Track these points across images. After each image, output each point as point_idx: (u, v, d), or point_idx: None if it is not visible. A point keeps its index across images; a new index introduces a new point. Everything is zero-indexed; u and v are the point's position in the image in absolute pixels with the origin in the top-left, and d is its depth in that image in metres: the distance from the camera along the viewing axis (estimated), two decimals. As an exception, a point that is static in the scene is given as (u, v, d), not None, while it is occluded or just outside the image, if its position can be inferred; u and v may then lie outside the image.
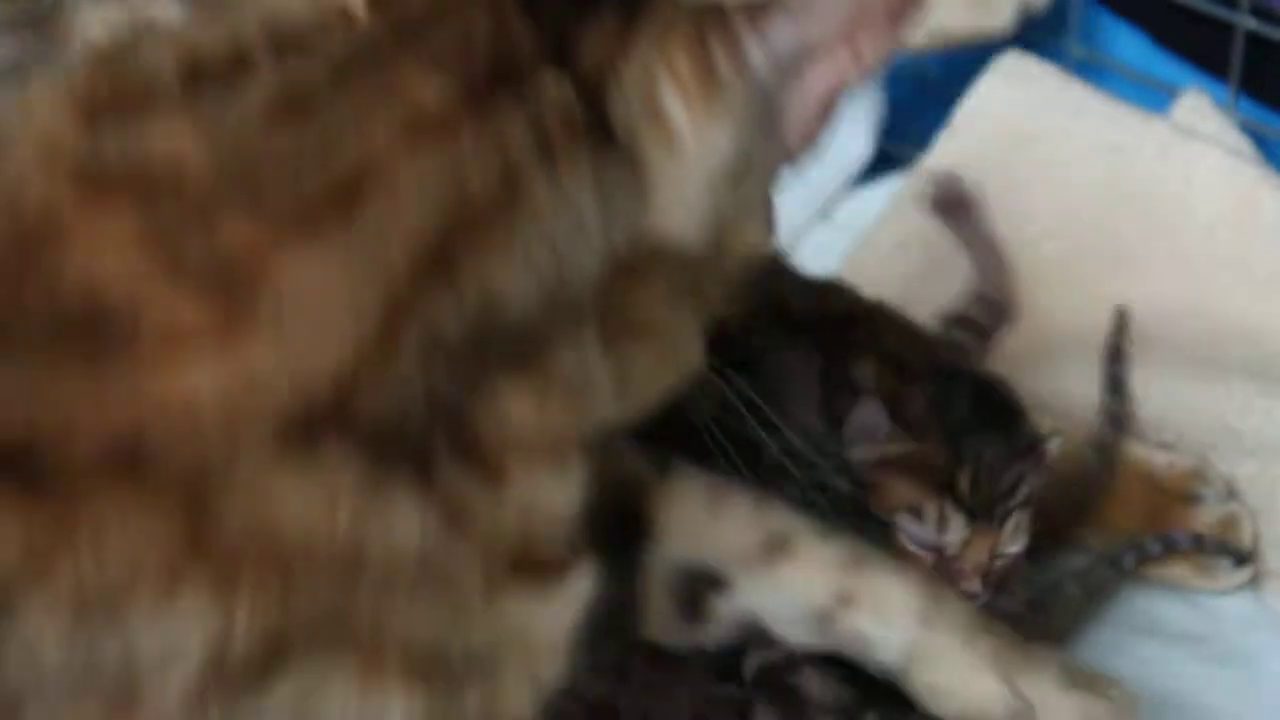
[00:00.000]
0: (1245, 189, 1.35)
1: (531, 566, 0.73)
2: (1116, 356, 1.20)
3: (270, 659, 0.65)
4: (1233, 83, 1.41)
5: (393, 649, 0.68)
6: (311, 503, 0.65)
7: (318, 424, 0.64)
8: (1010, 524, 1.02)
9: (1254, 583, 1.21)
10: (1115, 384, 1.20)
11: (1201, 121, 1.40)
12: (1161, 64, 1.49)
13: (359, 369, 0.65)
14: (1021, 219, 1.39)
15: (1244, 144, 1.39)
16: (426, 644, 0.69)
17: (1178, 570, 1.20)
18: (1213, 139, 1.38)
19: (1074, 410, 1.25)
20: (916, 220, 1.42)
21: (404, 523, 0.67)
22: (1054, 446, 1.06)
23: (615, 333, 0.74)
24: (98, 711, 0.63)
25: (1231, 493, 1.21)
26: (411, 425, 0.66)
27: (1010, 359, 1.28)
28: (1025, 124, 1.42)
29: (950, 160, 1.44)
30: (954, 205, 1.27)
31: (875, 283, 1.28)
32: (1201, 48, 1.46)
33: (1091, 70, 1.48)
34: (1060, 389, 1.26)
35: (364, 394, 0.65)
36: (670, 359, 0.80)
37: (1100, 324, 1.30)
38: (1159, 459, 1.20)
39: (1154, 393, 1.22)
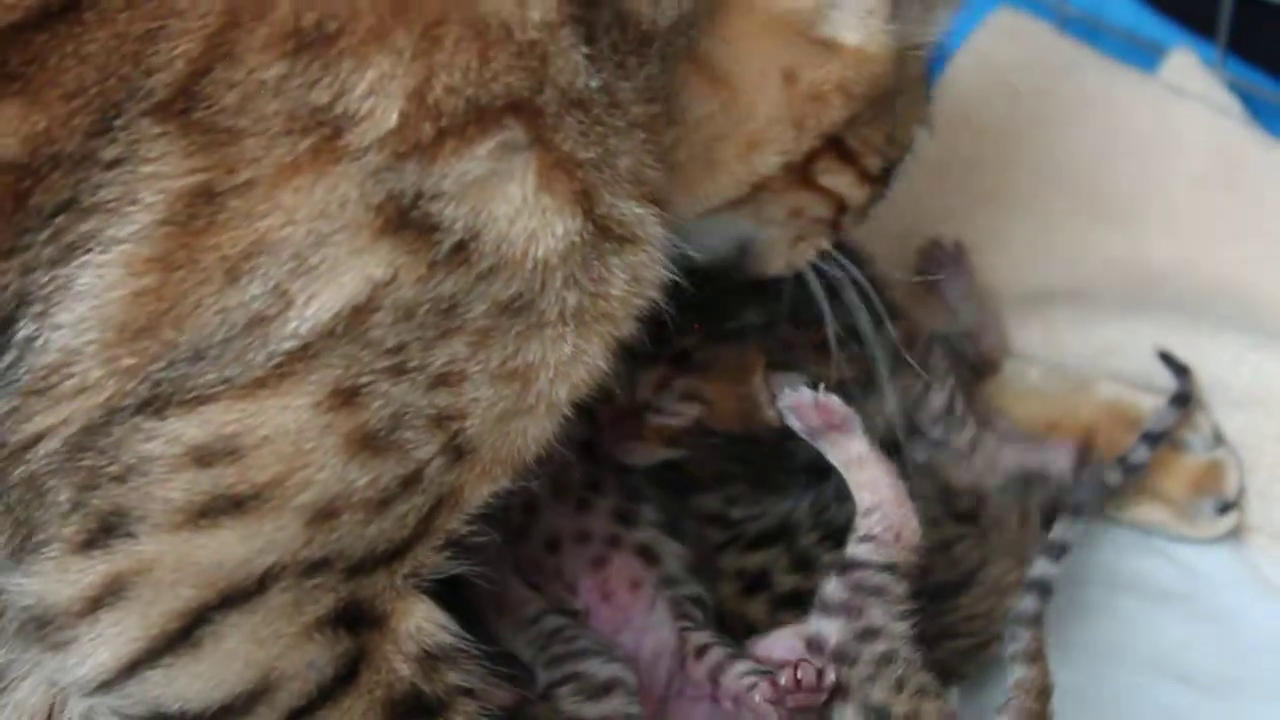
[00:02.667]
0: (1233, 147, 1.36)
1: None
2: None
3: (466, 126, 0.74)
4: (1220, 42, 1.42)
5: (565, 168, 0.77)
6: None
7: None
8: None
9: (1235, 537, 1.23)
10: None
11: (1189, 80, 1.41)
12: (1150, 23, 1.50)
13: None
14: (1013, 174, 1.40)
15: (1232, 103, 1.41)
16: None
17: (1159, 516, 1.22)
18: (1201, 98, 1.39)
19: (1066, 361, 1.27)
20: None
21: None
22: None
23: None
24: (308, 146, 0.73)
25: (1219, 440, 1.22)
26: None
27: (1003, 312, 1.30)
28: (1017, 80, 1.43)
29: (941, 114, 1.44)
30: (940, 266, 1.27)
31: (868, 237, 1.30)
32: (1190, 7, 1.47)
33: (1081, 29, 1.49)
34: (1054, 339, 1.27)
35: None
36: None
37: (1091, 276, 1.31)
38: (1146, 403, 1.21)
39: (1143, 345, 1.24)
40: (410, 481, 0.78)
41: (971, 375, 1.23)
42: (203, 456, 0.74)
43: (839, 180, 0.95)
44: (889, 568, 0.95)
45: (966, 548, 1.10)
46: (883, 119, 0.95)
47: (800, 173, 0.93)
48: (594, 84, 0.78)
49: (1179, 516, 1.22)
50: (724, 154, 0.89)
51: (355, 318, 0.73)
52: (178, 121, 0.72)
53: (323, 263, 0.73)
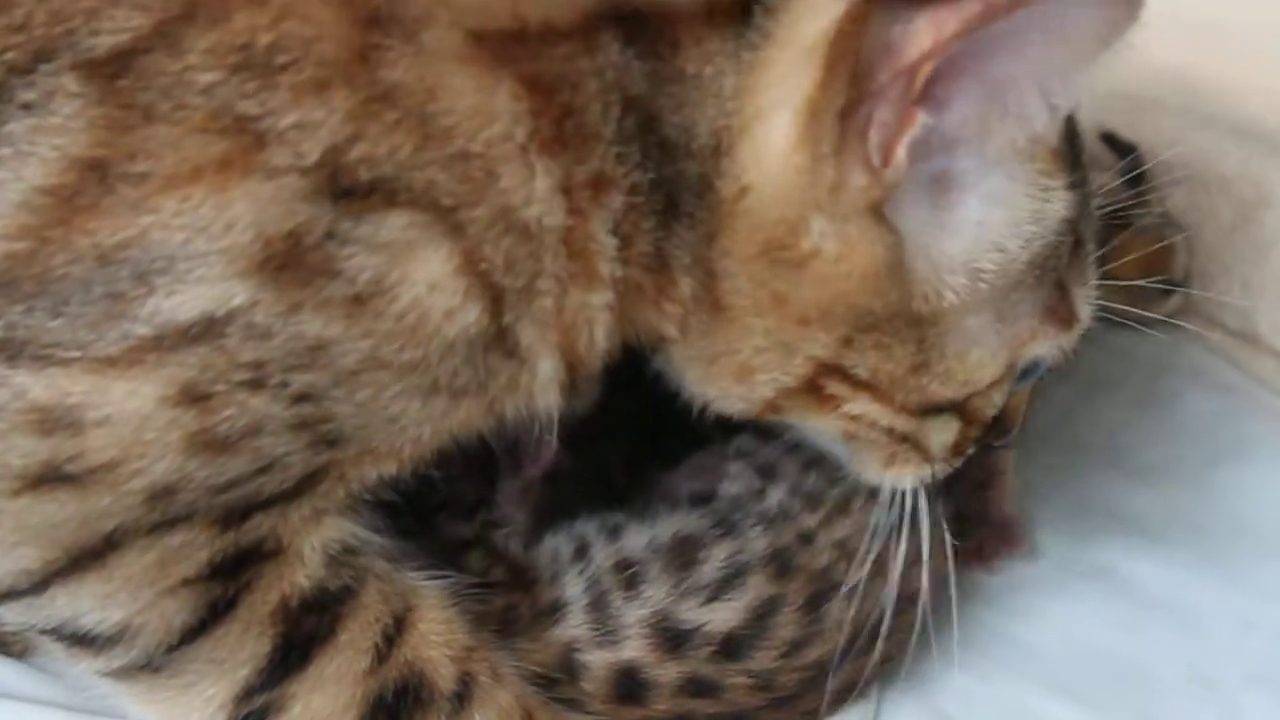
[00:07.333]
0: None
1: None
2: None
3: (371, 194, 0.71)
4: None
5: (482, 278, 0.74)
6: None
7: None
8: None
9: (1168, 323, 1.20)
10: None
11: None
12: None
13: None
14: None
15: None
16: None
17: (1112, 297, 1.21)
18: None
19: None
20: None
21: None
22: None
23: None
24: (221, 151, 0.70)
25: (1166, 220, 1.22)
26: None
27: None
28: None
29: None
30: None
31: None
32: None
33: None
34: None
35: None
36: None
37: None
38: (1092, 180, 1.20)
39: (1085, 124, 1.22)
40: (266, 468, 0.75)
41: None
42: (44, 421, 0.71)
43: (863, 408, 0.84)
44: None
45: None
46: (898, 345, 0.81)
47: (811, 395, 0.83)
48: (549, 221, 0.74)
49: (1125, 296, 1.21)
50: (723, 369, 0.82)
51: (210, 327, 0.70)
52: (99, 85, 0.69)
53: (190, 273, 0.70)
